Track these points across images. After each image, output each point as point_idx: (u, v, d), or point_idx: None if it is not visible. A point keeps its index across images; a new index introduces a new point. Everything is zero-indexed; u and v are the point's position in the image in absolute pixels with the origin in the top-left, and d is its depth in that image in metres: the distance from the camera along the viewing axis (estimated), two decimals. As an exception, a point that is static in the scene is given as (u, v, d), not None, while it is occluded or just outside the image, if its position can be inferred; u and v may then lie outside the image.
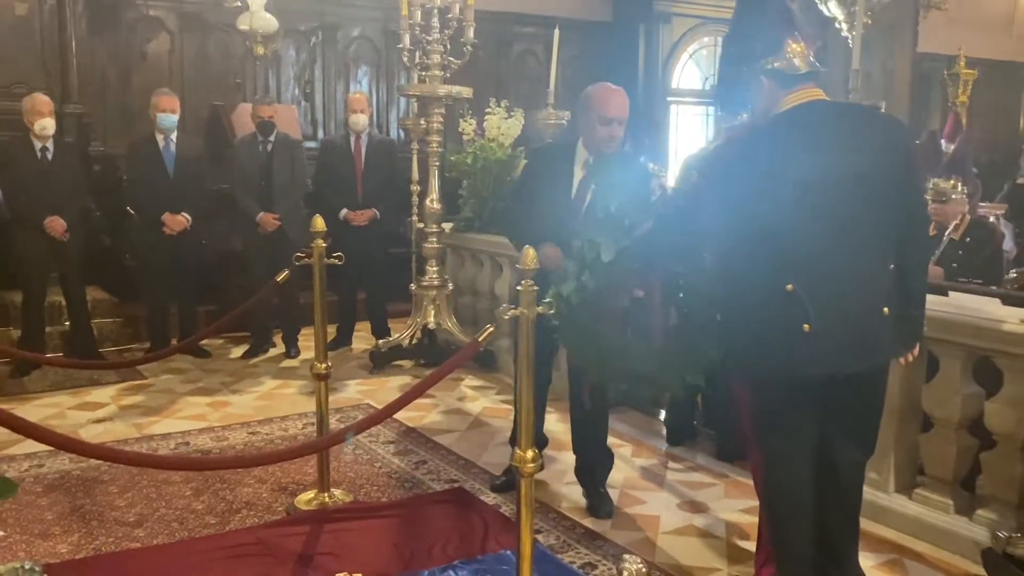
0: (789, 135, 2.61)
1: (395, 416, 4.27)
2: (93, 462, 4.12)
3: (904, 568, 3.32)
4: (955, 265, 4.84)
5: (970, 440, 3.48)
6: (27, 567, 2.39)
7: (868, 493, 3.39)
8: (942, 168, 6.47)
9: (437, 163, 6.09)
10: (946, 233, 5.00)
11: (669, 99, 10.42)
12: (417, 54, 5.97)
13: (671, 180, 6.74)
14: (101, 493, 3.91)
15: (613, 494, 3.94)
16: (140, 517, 3.68)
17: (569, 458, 4.03)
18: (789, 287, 2.53)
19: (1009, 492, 3.31)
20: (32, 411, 4.94)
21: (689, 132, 10.82)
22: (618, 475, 4.21)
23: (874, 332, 2.64)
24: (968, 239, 4.96)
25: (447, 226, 6.40)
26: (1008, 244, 6.01)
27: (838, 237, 2.56)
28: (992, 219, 5.90)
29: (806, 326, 2.53)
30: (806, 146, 2.58)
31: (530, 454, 2.66)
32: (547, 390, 3.99)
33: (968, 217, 5.07)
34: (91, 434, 4.69)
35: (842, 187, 2.54)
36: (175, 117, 6.11)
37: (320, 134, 8.35)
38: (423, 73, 5.99)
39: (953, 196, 5.02)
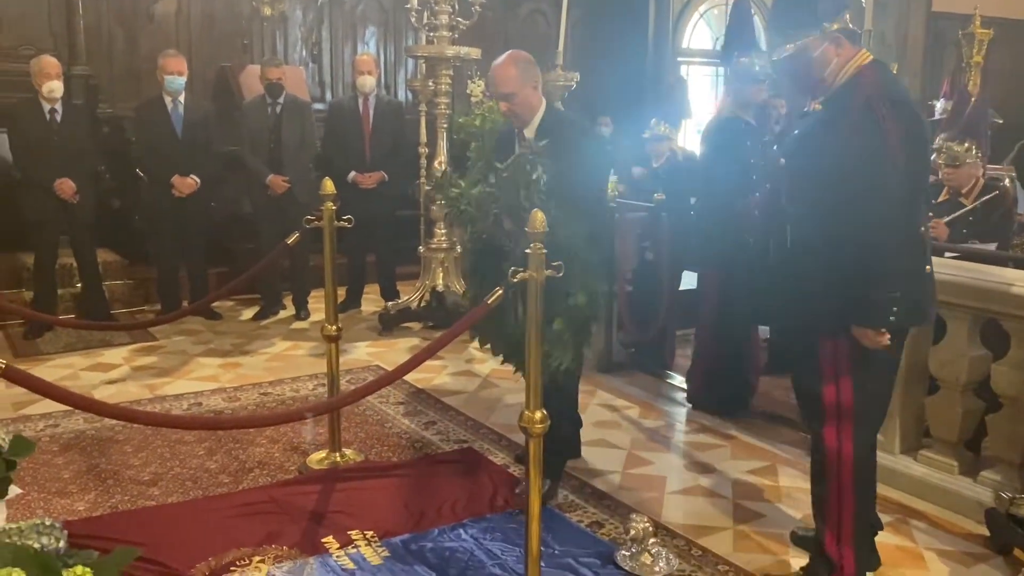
0: (906, 91, 2.75)
1: (405, 378, 4.32)
2: (107, 422, 4.18)
3: (909, 528, 3.36)
4: (965, 231, 4.80)
5: (976, 402, 3.49)
6: (47, 524, 2.44)
7: (873, 454, 3.44)
8: (958, 131, 6.38)
9: (445, 125, 6.07)
10: (959, 197, 4.95)
11: (679, 59, 10.32)
12: (425, 14, 5.92)
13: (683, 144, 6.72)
14: (116, 452, 3.98)
15: (620, 455, 3.99)
16: (155, 476, 3.74)
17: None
18: (923, 229, 2.70)
19: (1014, 454, 3.34)
20: (46, 372, 4.99)
21: (699, 93, 10.73)
22: (625, 436, 4.26)
23: None
24: (980, 203, 4.91)
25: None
26: (1023, 207, 5.94)
27: None
28: (1007, 182, 5.81)
29: (928, 267, 2.71)
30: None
31: (538, 415, 2.69)
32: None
33: (981, 181, 5.01)
34: (104, 395, 4.74)
35: None
36: (183, 79, 6.09)
37: (328, 96, 8.32)
38: (431, 34, 5.95)
39: (967, 160, 4.95)
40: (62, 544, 2.45)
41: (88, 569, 2.04)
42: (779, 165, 2.92)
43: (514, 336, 3.17)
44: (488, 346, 3.54)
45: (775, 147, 4.86)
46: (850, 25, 2.69)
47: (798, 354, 2.90)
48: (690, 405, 4.71)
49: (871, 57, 2.72)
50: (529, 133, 3.45)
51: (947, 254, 3.89)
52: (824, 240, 2.66)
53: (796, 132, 2.88)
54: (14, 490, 2.81)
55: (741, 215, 4.34)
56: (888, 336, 2.62)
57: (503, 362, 3.50)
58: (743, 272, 4.25)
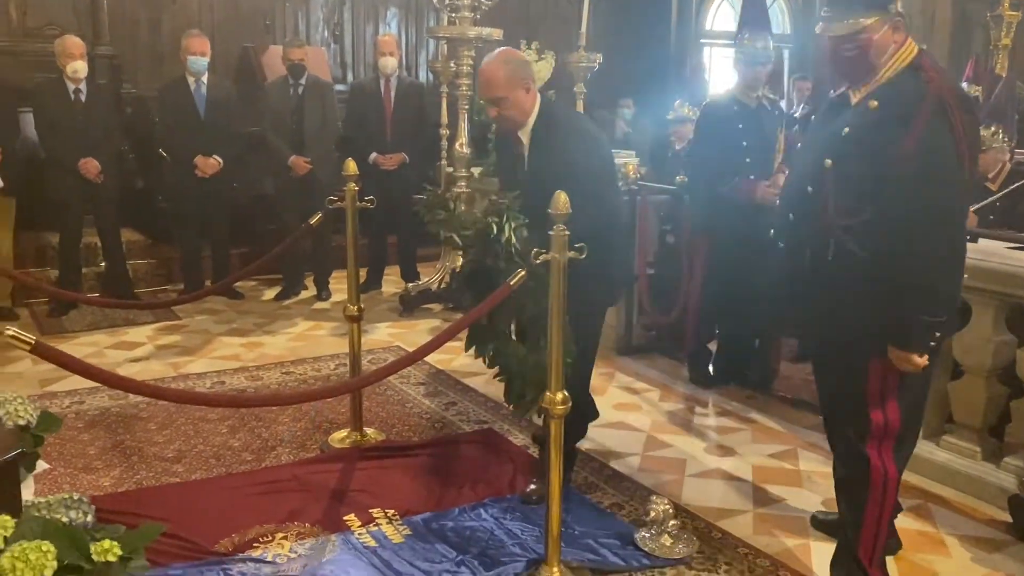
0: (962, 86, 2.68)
1: (425, 358, 4.33)
2: (132, 399, 4.23)
3: (930, 513, 3.35)
4: (992, 217, 4.74)
5: (1000, 388, 3.47)
6: (75, 498, 2.48)
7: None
8: (984, 114, 6.28)
9: (466, 106, 6.04)
10: (985, 182, 4.88)
11: (702, 41, 10.24)
12: (447, -5, 5.90)
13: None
14: (140, 429, 4.02)
15: (640, 437, 3.99)
16: (179, 453, 3.79)
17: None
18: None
19: (1038, 440, 3.32)
20: (72, 349, 5.03)
21: (723, 75, 10.64)
22: (645, 419, 4.27)
23: None
24: (1007, 189, 4.85)
25: (476, 170, 6.38)
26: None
27: None
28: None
29: (966, 275, 2.61)
30: None
31: (559, 396, 2.70)
32: (595, 351, 3.42)
33: (1008, 166, 4.95)
34: (128, 372, 4.78)
35: None
36: (206, 60, 6.11)
37: (349, 77, 8.32)
38: (453, 15, 5.92)
39: (993, 145, 4.88)
40: (90, 518, 2.48)
41: (115, 543, 2.06)
42: (823, 165, 2.57)
43: (510, 357, 3.08)
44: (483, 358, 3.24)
45: (795, 131, 4.84)
46: (900, 10, 2.50)
47: (839, 370, 2.72)
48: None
49: (917, 46, 2.50)
50: (524, 137, 3.22)
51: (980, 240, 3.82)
52: (879, 254, 2.43)
53: (846, 130, 2.52)
54: (41, 465, 2.85)
55: (726, 197, 4.36)
56: (927, 358, 2.48)
57: (496, 376, 3.23)
58: (727, 257, 4.40)
